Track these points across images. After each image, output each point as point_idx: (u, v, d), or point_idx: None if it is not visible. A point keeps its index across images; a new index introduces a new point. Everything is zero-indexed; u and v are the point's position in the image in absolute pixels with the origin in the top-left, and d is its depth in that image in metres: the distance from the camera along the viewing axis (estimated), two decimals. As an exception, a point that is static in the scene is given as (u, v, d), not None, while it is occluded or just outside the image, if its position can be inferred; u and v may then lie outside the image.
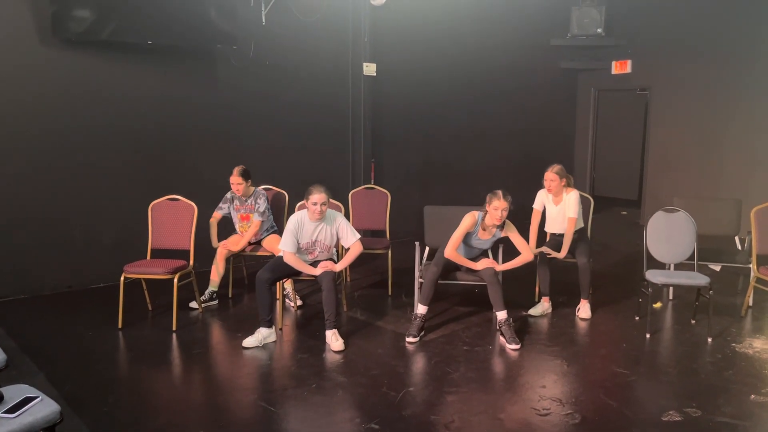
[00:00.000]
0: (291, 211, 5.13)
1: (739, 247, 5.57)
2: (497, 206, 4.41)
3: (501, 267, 4.61)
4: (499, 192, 4.43)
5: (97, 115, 5.70)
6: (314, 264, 4.50)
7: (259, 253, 5.34)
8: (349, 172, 7.52)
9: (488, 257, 4.86)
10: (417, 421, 3.33)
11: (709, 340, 4.51)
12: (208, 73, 6.33)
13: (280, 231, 5.31)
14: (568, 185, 5.11)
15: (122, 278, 4.70)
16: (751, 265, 4.98)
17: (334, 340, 4.33)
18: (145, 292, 5.17)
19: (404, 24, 7.68)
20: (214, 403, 3.55)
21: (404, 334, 4.56)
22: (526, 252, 4.59)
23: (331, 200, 4.72)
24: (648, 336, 4.60)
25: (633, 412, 3.44)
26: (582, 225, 5.22)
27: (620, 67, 9.21)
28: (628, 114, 10.42)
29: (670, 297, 5.56)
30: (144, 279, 4.93)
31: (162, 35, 5.69)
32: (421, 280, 4.65)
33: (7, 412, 2.47)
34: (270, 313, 4.42)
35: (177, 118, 6.16)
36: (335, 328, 4.39)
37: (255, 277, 4.38)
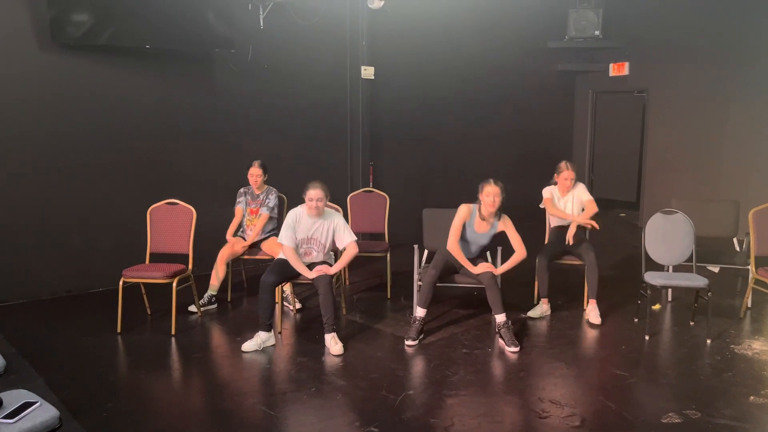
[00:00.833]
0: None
1: (738, 249, 5.58)
2: (489, 192, 4.50)
3: (499, 270, 4.61)
4: (491, 179, 4.55)
5: (95, 119, 5.70)
6: (311, 267, 4.50)
7: (258, 257, 5.34)
8: (347, 175, 7.52)
9: (487, 261, 4.86)
10: (416, 424, 3.33)
11: (708, 341, 4.52)
12: (206, 77, 6.33)
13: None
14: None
15: (121, 282, 4.69)
16: (749, 267, 4.99)
17: (333, 344, 4.33)
18: (144, 296, 5.17)
19: (402, 27, 7.69)
20: (213, 407, 3.54)
21: (403, 337, 4.56)
22: (520, 249, 4.60)
23: (329, 203, 4.73)
24: (647, 338, 4.60)
25: (632, 414, 3.44)
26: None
27: (618, 70, 9.23)
28: (625, 116, 10.41)
29: (669, 299, 5.56)
30: (143, 283, 4.92)
31: (160, 39, 5.69)
32: (419, 283, 4.65)
33: (6, 417, 2.47)
34: (270, 317, 4.42)
35: (175, 122, 6.16)
36: (334, 331, 4.39)
37: (256, 281, 4.38)
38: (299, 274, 4.52)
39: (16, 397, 2.65)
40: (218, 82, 6.39)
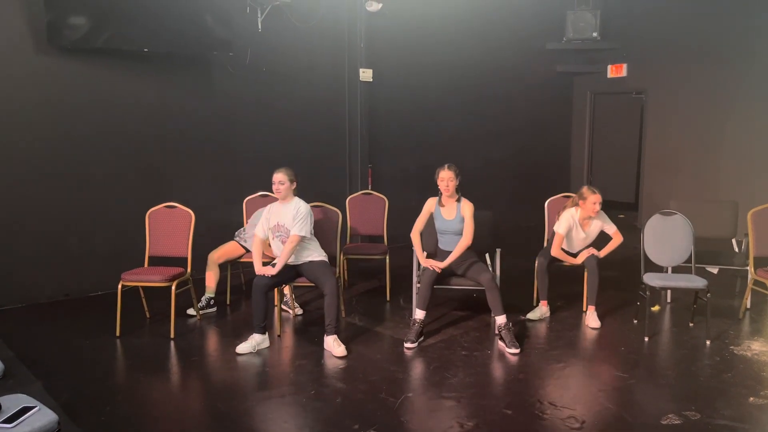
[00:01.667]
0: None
1: (737, 250, 5.58)
2: (443, 177, 4.69)
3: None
4: (445, 165, 4.73)
5: (93, 123, 5.70)
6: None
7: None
8: (346, 177, 7.52)
9: (486, 264, 4.86)
10: (416, 426, 3.33)
11: (708, 342, 4.52)
12: (205, 80, 6.33)
13: None
14: None
15: (120, 286, 4.68)
16: (748, 268, 4.99)
17: (335, 346, 4.32)
18: (143, 299, 5.16)
19: (400, 29, 7.70)
20: (212, 410, 3.53)
21: (403, 339, 4.55)
22: (467, 237, 4.62)
23: (328, 206, 4.73)
24: (646, 339, 4.60)
25: (632, 415, 3.43)
26: None
27: (616, 71, 9.24)
28: (624, 117, 10.43)
29: (668, 300, 5.56)
30: (141, 287, 4.91)
31: (158, 42, 5.68)
32: (418, 284, 4.65)
33: (4, 422, 2.46)
34: (264, 319, 4.41)
35: (173, 125, 6.16)
36: (335, 333, 4.39)
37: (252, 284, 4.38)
38: (295, 277, 4.52)
39: (14, 401, 2.65)
40: (216, 85, 6.39)
